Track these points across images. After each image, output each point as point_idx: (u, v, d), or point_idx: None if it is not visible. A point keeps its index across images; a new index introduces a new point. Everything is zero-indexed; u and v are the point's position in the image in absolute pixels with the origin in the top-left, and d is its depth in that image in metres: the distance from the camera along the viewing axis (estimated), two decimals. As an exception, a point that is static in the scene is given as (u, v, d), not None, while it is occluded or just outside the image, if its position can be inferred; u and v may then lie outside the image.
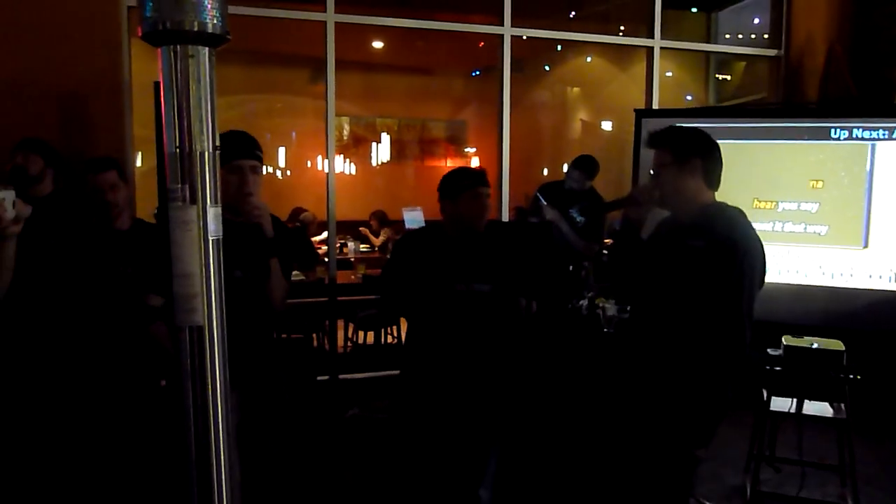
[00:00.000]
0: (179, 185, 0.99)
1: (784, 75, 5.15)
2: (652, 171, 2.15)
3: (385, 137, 8.25)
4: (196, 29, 0.96)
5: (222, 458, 1.05)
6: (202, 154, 0.99)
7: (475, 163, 8.29)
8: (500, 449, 2.67)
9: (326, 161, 4.52)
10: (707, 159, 2.10)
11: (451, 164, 8.48)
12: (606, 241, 4.28)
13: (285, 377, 2.57)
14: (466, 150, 8.60)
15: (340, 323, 5.17)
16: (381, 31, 6.36)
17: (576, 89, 8.82)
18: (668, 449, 2.09)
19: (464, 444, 2.60)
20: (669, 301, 2.11)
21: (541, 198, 4.27)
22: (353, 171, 8.23)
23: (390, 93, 8.27)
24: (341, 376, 4.46)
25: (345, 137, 8.01)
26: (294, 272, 3.81)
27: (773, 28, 5.32)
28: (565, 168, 4.60)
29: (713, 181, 2.13)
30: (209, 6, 0.97)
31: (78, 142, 3.55)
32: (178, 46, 0.97)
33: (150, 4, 0.95)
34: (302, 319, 4.61)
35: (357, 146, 8.16)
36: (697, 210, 2.10)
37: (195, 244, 0.99)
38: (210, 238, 1.01)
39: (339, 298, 4.61)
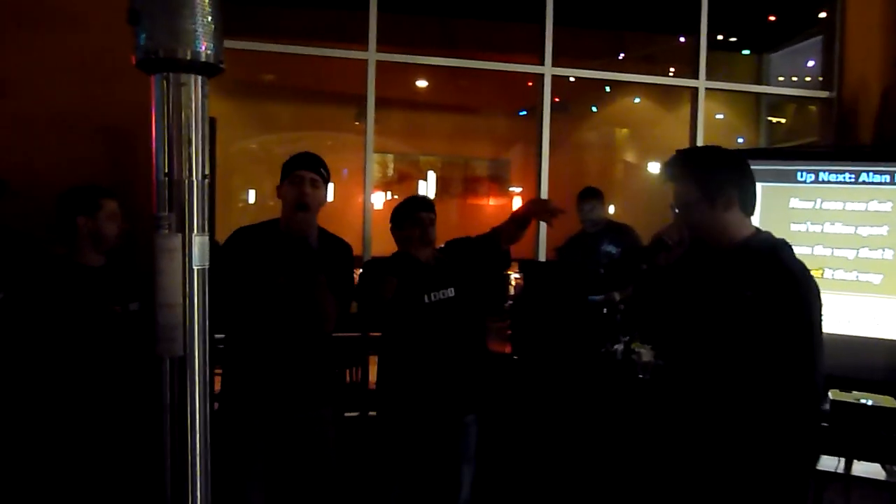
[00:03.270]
0: (166, 213, 0.98)
1: (836, 118, 4.99)
2: (677, 209, 1.89)
3: (431, 175, 8.33)
4: (189, 58, 0.96)
5: (199, 492, 1.02)
6: (190, 182, 0.98)
7: (517, 202, 8.26)
8: (473, 472, 2.74)
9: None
10: (741, 186, 1.83)
11: (493, 202, 8.47)
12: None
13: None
14: (511, 188, 8.58)
15: (373, 359, 5.13)
16: (425, 70, 6.45)
17: (623, 130, 8.76)
18: None
19: (438, 465, 2.70)
20: (727, 358, 1.81)
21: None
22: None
23: (434, 131, 8.36)
24: (371, 413, 4.40)
25: (389, 174, 8.11)
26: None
27: (825, 70, 5.19)
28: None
29: (750, 207, 1.86)
30: (203, 36, 0.97)
31: (123, 175, 3.66)
32: (171, 74, 0.97)
33: (144, 33, 0.96)
34: (336, 354, 4.59)
35: (401, 183, 8.25)
36: (740, 245, 1.83)
37: (179, 273, 0.98)
38: (195, 267, 0.99)
39: (371, 334, 4.58)
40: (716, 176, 1.82)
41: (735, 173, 1.84)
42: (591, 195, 4.23)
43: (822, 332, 1.78)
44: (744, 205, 1.84)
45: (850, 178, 3.78)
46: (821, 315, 1.80)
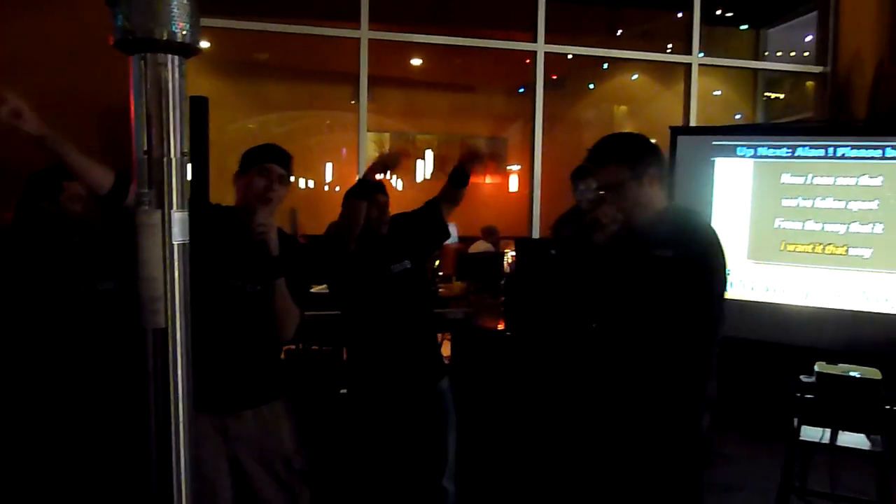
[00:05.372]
0: (146, 190, 1.02)
1: (830, 92, 4.99)
2: (605, 189, 2.06)
3: (428, 153, 8.33)
4: (165, 38, 0.99)
5: (182, 460, 1.06)
6: (169, 160, 1.02)
7: (514, 180, 8.27)
8: (456, 439, 2.78)
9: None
10: (660, 164, 2.07)
11: (490, 180, 8.48)
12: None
13: (301, 391, 2.51)
14: (508, 167, 8.59)
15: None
16: (421, 48, 6.43)
17: (621, 107, 8.73)
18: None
19: (421, 434, 2.73)
20: (632, 315, 1.98)
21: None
22: (400, 186, 8.31)
23: (431, 109, 8.34)
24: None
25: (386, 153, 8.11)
26: (322, 285, 3.79)
27: (819, 44, 5.17)
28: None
29: (665, 183, 2.12)
30: (179, 17, 0.99)
31: (118, 154, 3.68)
32: (148, 55, 1.00)
33: (122, 14, 0.99)
34: (332, 331, 4.64)
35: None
36: (656, 215, 2.03)
37: (159, 248, 1.02)
38: (175, 242, 1.03)
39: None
40: (641, 155, 2.05)
41: (655, 153, 2.09)
42: (586, 174, 4.23)
43: (723, 300, 1.96)
44: (662, 182, 2.09)
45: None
46: (725, 281, 1.98)
